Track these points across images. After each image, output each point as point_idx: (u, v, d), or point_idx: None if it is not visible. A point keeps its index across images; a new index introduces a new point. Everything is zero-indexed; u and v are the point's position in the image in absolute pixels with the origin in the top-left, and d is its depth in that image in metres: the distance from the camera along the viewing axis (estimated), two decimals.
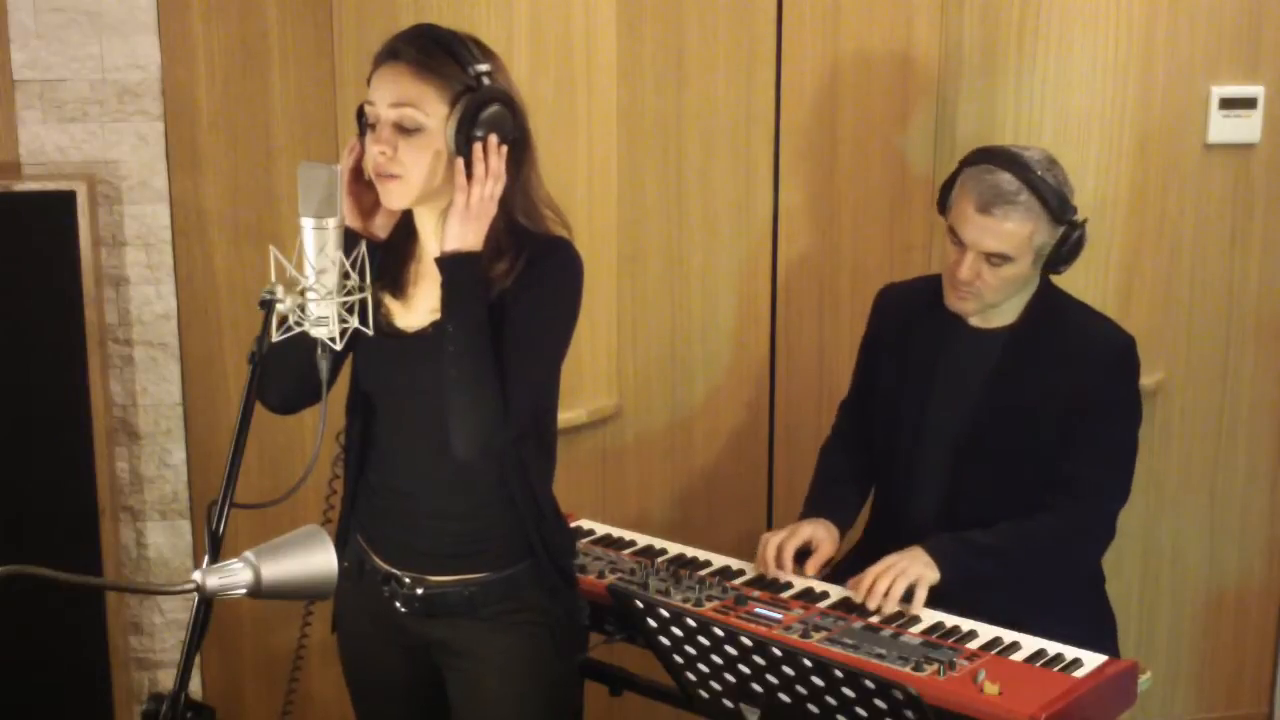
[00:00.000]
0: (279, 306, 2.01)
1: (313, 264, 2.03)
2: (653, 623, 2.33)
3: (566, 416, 2.98)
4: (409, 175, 2.19)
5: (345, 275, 2.06)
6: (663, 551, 2.82)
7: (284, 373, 2.22)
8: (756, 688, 2.25)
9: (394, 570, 2.37)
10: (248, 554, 1.75)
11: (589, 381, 3.32)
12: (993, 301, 2.72)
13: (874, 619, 2.51)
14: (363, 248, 2.12)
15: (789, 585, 2.66)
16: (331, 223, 2.03)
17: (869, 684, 2.07)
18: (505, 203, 2.23)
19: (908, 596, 2.54)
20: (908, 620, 2.51)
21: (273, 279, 2.01)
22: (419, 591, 2.35)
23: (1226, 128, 3.56)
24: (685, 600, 2.55)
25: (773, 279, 3.49)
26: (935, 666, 2.31)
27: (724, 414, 3.54)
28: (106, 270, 3.20)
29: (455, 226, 2.19)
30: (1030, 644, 2.42)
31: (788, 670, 2.17)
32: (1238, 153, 3.59)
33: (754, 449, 3.57)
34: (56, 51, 3.11)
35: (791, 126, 3.42)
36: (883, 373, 2.89)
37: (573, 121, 3.20)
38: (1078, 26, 3.30)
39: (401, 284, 2.33)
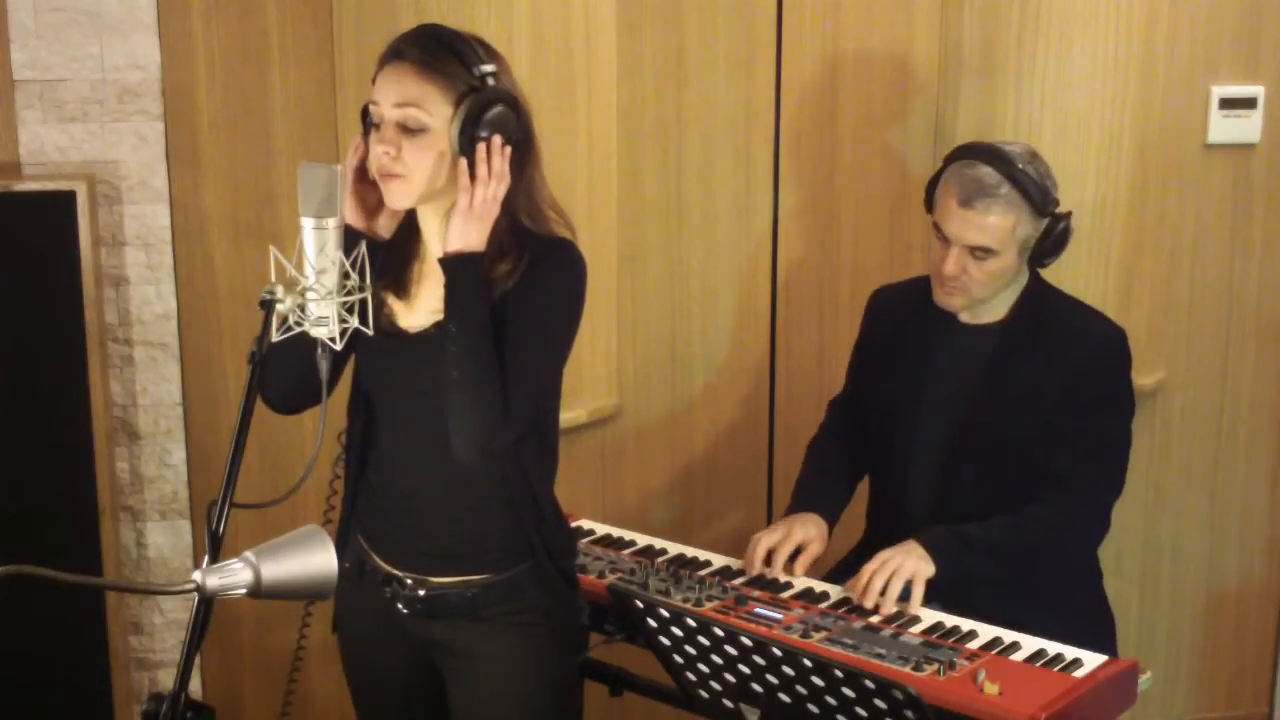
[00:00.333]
0: (279, 306, 2.00)
1: (313, 264, 2.02)
2: (653, 623, 2.33)
3: (567, 416, 2.97)
4: (412, 175, 2.19)
5: (345, 275, 2.05)
6: (663, 551, 2.82)
7: (284, 373, 2.21)
8: (756, 688, 2.25)
9: (395, 571, 2.37)
10: (248, 554, 1.75)
11: (589, 381, 3.32)
12: (980, 296, 2.72)
13: (874, 619, 2.51)
14: (362, 247, 2.11)
15: (789, 585, 2.66)
16: (331, 223, 2.03)
17: (869, 684, 2.07)
18: (509, 203, 2.23)
19: (906, 594, 2.54)
20: (908, 620, 2.51)
21: (273, 279, 2.00)
22: (420, 593, 2.35)
23: (1226, 128, 3.56)
24: (685, 600, 2.55)
25: (772, 279, 3.49)
26: (935, 666, 2.31)
27: (724, 413, 3.54)
28: (106, 270, 3.20)
29: (458, 227, 2.19)
30: (1030, 644, 2.42)
31: (788, 670, 2.17)
32: (1238, 153, 3.59)
33: (754, 448, 3.57)
34: (56, 51, 3.11)
35: (791, 127, 3.42)
36: (876, 372, 2.90)
37: (573, 121, 3.20)
38: (1078, 26, 3.29)
39: (404, 284, 2.33)
